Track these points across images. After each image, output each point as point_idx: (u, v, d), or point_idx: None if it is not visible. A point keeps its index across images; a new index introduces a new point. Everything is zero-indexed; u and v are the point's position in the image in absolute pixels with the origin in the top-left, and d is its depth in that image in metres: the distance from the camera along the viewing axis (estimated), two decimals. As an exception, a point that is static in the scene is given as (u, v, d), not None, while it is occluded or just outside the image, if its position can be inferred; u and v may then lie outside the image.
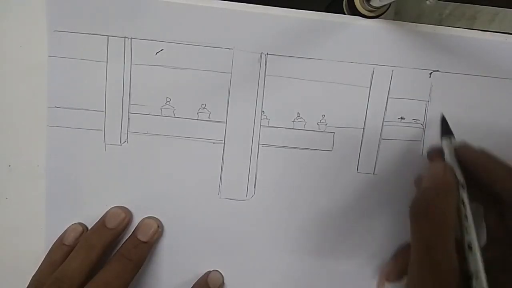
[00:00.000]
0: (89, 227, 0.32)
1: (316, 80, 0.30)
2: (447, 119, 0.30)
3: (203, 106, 0.31)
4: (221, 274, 0.33)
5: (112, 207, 0.32)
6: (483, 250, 0.25)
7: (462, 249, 0.26)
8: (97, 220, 0.31)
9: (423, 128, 0.31)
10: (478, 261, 0.25)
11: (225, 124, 0.31)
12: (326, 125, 0.31)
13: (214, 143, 0.31)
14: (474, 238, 0.25)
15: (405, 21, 0.30)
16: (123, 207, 0.32)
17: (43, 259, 0.31)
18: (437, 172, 0.27)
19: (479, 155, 0.28)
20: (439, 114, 0.31)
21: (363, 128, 0.31)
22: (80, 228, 0.31)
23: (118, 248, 0.31)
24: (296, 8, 0.30)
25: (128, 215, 0.31)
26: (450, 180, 0.27)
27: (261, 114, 0.31)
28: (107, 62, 0.30)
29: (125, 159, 0.31)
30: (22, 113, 0.30)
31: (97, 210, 0.31)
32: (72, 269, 0.29)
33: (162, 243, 0.32)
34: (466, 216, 0.26)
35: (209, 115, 0.31)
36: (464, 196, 0.27)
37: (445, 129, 0.30)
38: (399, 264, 0.32)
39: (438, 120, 0.31)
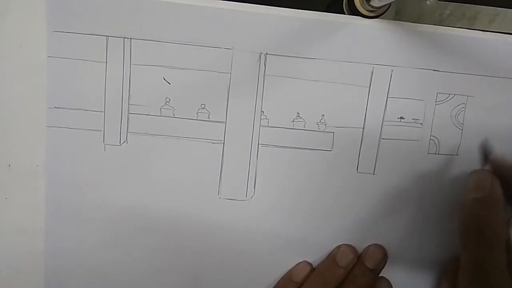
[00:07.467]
0: (92, 232, 0.32)
1: (316, 80, 0.30)
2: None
3: (203, 106, 0.31)
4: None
5: (341, 245, 0.32)
6: None
7: None
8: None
9: (422, 128, 0.31)
10: None
11: (224, 124, 0.31)
12: (325, 125, 0.31)
13: (213, 143, 0.31)
14: None
15: (405, 21, 0.30)
16: (351, 246, 0.32)
17: None
18: (483, 183, 0.26)
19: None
20: (438, 114, 0.31)
21: (363, 128, 0.31)
22: (309, 267, 0.32)
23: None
24: (296, 8, 0.29)
25: (356, 255, 0.32)
26: (497, 191, 0.26)
27: (261, 114, 0.31)
28: (106, 62, 0.30)
29: (124, 160, 0.31)
30: (22, 113, 0.30)
31: (96, 210, 0.32)
32: None
33: (162, 243, 0.32)
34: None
35: (209, 115, 0.31)
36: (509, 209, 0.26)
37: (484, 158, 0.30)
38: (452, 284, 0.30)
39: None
